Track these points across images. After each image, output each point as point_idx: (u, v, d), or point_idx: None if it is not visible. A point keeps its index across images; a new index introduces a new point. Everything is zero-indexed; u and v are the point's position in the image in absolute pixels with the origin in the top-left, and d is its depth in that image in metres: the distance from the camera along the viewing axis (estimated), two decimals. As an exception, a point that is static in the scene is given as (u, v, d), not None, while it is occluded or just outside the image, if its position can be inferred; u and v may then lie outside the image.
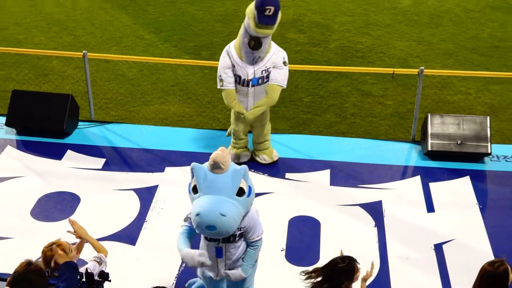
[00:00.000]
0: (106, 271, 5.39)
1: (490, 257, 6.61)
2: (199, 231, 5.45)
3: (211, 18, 13.32)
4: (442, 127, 8.72)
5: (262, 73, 7.89)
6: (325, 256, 7.01)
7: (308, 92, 10.64)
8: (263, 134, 8.51)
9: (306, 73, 10.96)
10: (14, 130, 9.29)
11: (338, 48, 12.26)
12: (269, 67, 7.90)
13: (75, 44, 12.30)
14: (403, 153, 8.98)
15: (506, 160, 8.75)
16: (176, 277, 6.81)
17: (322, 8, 13.99)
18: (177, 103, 10.32)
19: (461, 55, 11.96)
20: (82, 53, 9.35)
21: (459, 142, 8.63)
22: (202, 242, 5.76)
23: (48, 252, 5.36)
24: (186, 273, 6.85)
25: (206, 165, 5.35)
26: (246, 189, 5.30)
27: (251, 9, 7.61)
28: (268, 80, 7.96)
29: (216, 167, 5.25)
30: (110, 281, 5.34)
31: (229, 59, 7.92)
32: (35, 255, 6.91)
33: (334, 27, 13.10)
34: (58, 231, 7.23)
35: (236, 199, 5.24)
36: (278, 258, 7.08)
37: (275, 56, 7.94)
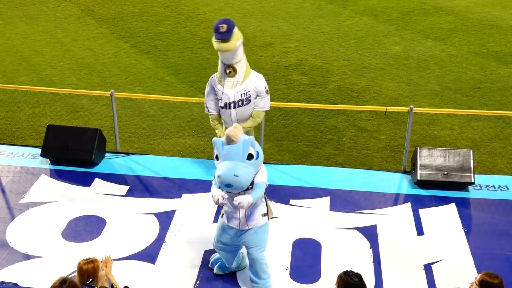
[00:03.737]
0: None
1: (475, 275, 6.53)
2: (221, 188, 6.22)
3: (223, 62, 13.41)
4: (430, 159, 8.71)
5: (241, 96, 8.01)
6: (326, 274, 7.00)
7: (310, 128, 10.67)
8: None
9: (307, 111, 10.99)
10: (48, 160, 9.33)
11: (336, 88, 12.32)
12: (248, 91, 8.02)
13: (103, 85, 12.40)
14: (395, 182, 8.95)
15: (488, 189, 8.70)
16: (191, 293, 6.77)
17: (322, 53, 14.09)
18: (193, 137, 10.35)
19: (446, 95, 11.98)
20: (110, 92, 9.43)
21: (445, 172, 8.61)
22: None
23: (85, 266, 5.32)
24: (200, 289, 6.82)
25: (223, 138, 6.14)
26: (254, 154, 6.10)
27: (213, 36, 7.91)
28: (248, 103, 8.08)
29: (229, 140, 6.04)
30: (132, 296, 5.32)
31: (211, 87, 8.16)
32: (65, 272, 6.96)
33: (333, 70, 13.18)
34: (86, 250, 7.27)
35: (246, 162, 6.05)
36: (283, 276, 7.02)
37: (256, 83, 8.07)
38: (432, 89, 12.24)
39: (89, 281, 5.30)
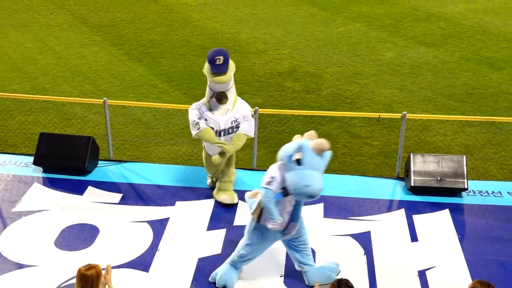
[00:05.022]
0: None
1: (469, 281, 6.54)
2: (296, 196, 6.19)
3: (216, 69, 13.42)
4: (424, 165, 8.72)
5: (231, 123, 7.97)
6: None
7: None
8: (229, 173, 8.41)
9: (301, 118, 11.00)
10: (41, 168, 9.28)
11: (329, 95, 12.33)
12: (238, 118, 7.99)
13: (96, 92, 12.38)
14: (388, 188, 8.96)
15: (481, 195, 8.72)
16: (185, 301, 6.74)
17: (315, 60, 14.13)
18: (187, 144, 10.34)
19: (439, 101, 12.02)
20: (102, 100, 9.41)
21: (439, 178, 8.61)
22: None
23: (88, 272, 5.28)
24: (194, 297, 6.78)
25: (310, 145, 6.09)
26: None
27: (206, 66, 7.84)
28: (237, 130, 8.04)
29: (322, 151, 6.05)
30: (126, 304, 5.29)
31: (199, 113, 7.96)
32: (58, 281, 6.92)
33: (326, 77, 13.21)
34: (80, 259, 7.22)
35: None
36: (277, 283, 7.00)
37: (242, 109, 8.04)
38: (425, 95, 12.28)
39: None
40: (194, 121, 7.98)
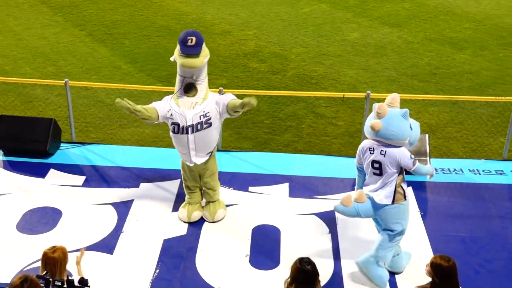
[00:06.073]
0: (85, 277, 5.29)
1: (431, 255, 6.64)
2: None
3: (181, 50, 13.29)
4: (387, 144, 8.78)
5: (200, 118, 7.05)
6: (285, 260, 7.02)
7: (269, 115, 10.67)
8: (213, 184, 7.68)
9: (266, 98, 10.98)
10: (1, 151, 9.11)
11: (295, 75, 12.34)
12: (208, 112, 7.08)
13: (58, 74, 12.15)
14: (353, 167, 8.91)
15: (444, 172, 8.86)
16: (150, 282, 6.71)
17: (281, 41, 14.09)
18: (151, 126, 10.23)
19: (403, 81, 12.13)
20: (64, 81, 9.24)
21: (402, 157, 8.69)
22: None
23: (56, 254, 5.21)
24: (160, 278, 6.76)
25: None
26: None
27: (176, 49, 7.07)
28: (208, 126, 7.11)
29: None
30: (89, 286, 5.24)
31: (167, 105, 7.13)
32: (20, 264, 6.83)
33: (291, 57, 13.20)
34: (42, 242, 7.13)
35: None
36: (243, 263, 7.03)
37: (213, 98, 7.21)
38: (389, 75, 12.37)
39: (44, 273, 5.19)
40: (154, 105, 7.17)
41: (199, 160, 7.29)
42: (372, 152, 6.55)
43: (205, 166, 7.45)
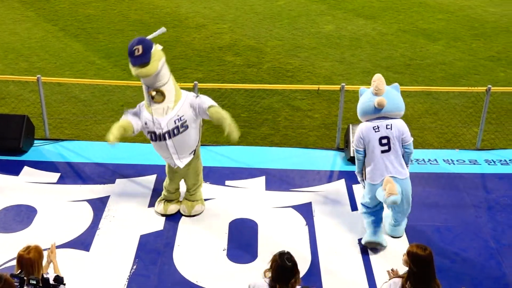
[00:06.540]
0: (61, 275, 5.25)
1: (407, 245, 6.72)
2: None
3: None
4: (363, 135, 8.85)
5: (175, 123, 6.90)
6: (263, 253, 7.04)
7: (245, 108, 10.66)
8: (197, 184, 7.64)
9: (242, 92, 10.97)
10: (-27, 149, 8.98)
11: (270, 68, 12.34)
12: (183, 115, 6.92)
13: (31, 70, 11.98)
14: (329, 159, 9.08)
15: (418, 163, 8.94)
16: (127, 279, 6.68)
17: (256, 34, 14.08)
18: (126, 121, 10.15)
19: (378, 72, 12.09)
20: (36, 78, 9.12)
21: (377, 148, 8.77)
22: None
23: (31, 255, 5.14)
24: (137, 274, 6.73)
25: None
26: None
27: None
28: (185, 129, 6.97)
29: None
30: (64, 284, 5.20)
31: (141, 116, 6.99)
32: (-6, 263, 6.73)
33: (267, 50, 13.19)
34: (17, 241, 7.04)
35: None
36: (220, 257, 7.03)
37: (187, 100, 7.00)
38: (364, 67, 12.44)
39: (19, 272, 5.14)
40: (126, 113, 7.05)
41: (183, 162, 7.22)
42: (377, 129, 6.85)
43: (189, 167, 7.39)
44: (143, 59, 6.68)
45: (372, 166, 6.93)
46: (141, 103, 7.15)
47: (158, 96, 6.86)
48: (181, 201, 7.79)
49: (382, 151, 6.84)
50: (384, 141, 6.83)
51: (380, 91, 6.94)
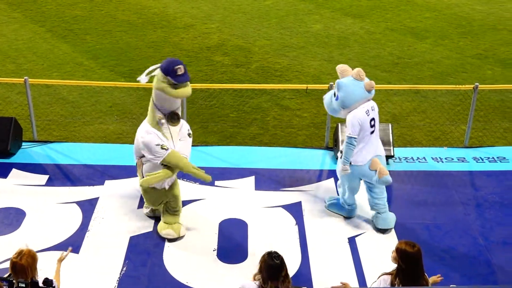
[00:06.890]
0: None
1: (396, 242, 6.73)
2: None
3: (143, 45, 13.18)
4: (351, 134, 8.88)
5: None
6: (253, 253, 7.05)
7: (234, 108, 10.66)
8: (178, 205, 7.43)
9: (231, 91, 10.97)
10: (-40, 152, 8.91)
11: (259, 68, 12.35)
12: (181, 138, 7.11)
13: (18, 72, 11.91)
14: (318, 158, 9.10)
15: (407, 161, 8.99)
16: (118, 280, 6.66)
17: (244, 33, 14.08)
18: (115, 122, 10.14)
19: (366, 71, 11.94)
20: (23, 79, 9.08)
21: (366, 147, 8.81)
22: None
23: (21, 261, 5.07)
24: (128, 276, 6.72)
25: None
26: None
27: (159, 81, 6.73)
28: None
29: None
30: (54, 287, 5.17)
31: (158, 137, 6.82)
32: (-18, 267, 6.68)
33: (255, 50, 13.20)
34: (6, 244, 7.02)
35: None
36: (210, 257, 7.03)
37: (184, 126, 7.13)
38: (352, 66, 12.13)
39: (7, 275, 5.11)
40: (158, 144, 6.75)
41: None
42: (368, 113, 7.15)
43: (173, 191, 7.28)
44: (186, 78, 6.73)
45: (362, 147, 7.15)
46: (150, 129, 6.88)
47: (177, 119, 6.92)
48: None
49: (371, 132, 7.18)
50: (372, 122, 7.20)
51: (364, 76, 7.22)
